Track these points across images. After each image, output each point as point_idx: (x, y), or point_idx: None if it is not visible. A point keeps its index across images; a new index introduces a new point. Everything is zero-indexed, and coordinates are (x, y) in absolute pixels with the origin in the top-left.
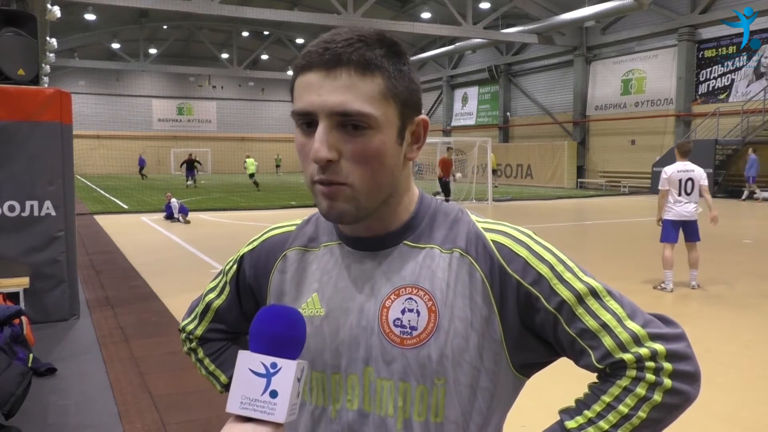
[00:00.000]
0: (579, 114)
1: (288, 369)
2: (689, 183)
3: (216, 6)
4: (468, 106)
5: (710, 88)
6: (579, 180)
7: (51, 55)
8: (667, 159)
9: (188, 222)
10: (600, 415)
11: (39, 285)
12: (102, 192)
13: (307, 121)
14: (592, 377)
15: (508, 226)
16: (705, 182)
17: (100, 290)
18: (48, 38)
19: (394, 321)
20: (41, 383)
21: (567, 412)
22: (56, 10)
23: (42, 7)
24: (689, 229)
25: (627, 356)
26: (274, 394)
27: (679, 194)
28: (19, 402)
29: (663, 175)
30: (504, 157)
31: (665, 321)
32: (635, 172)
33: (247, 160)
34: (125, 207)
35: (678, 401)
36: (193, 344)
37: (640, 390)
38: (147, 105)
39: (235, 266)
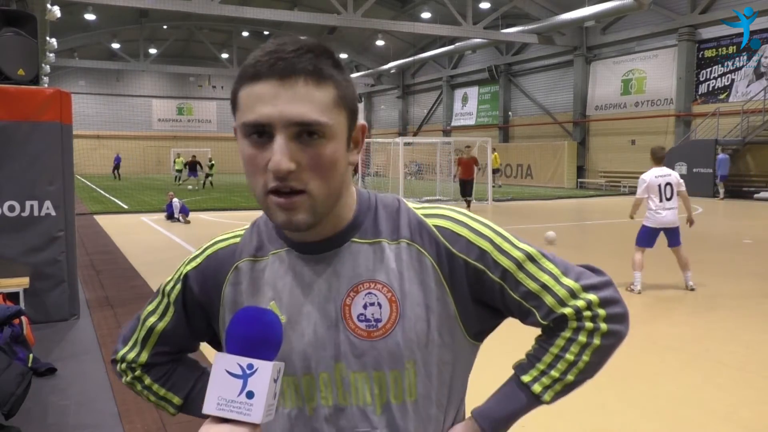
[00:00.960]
0: (579, 114)
1: (264, 370)
2: (668, 188)
3: (216, 6)
4: (468, 106)
5: (710, 88)
6: (579, 180)
7: (51, 55)
8: (667, 159)
9: (188, 222)
10: (550, 366)
11: (39, 285)
12: (102, 192)
13: (258, 131)
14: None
15: (445, 209)
16: (683, 187)
17: (100, 290)
18: (48, 38)
19: (358, 316)
20: (41, 383)
21: (520, 367)
22: (56, 10)
23: (42, 7)
24: (670, 235)
25: (567, 310)
26: (250, 394)
27: (660, 200)
28: (19, 402)
29: (641, 183)
30: (504, 157)
31: (594, 270)
32: (635, 172)
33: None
34: (125, 207)
35: (613, 341)
36: (137, 372)
37: (582, 338)
38: (147, 105)
39: (178, 286)
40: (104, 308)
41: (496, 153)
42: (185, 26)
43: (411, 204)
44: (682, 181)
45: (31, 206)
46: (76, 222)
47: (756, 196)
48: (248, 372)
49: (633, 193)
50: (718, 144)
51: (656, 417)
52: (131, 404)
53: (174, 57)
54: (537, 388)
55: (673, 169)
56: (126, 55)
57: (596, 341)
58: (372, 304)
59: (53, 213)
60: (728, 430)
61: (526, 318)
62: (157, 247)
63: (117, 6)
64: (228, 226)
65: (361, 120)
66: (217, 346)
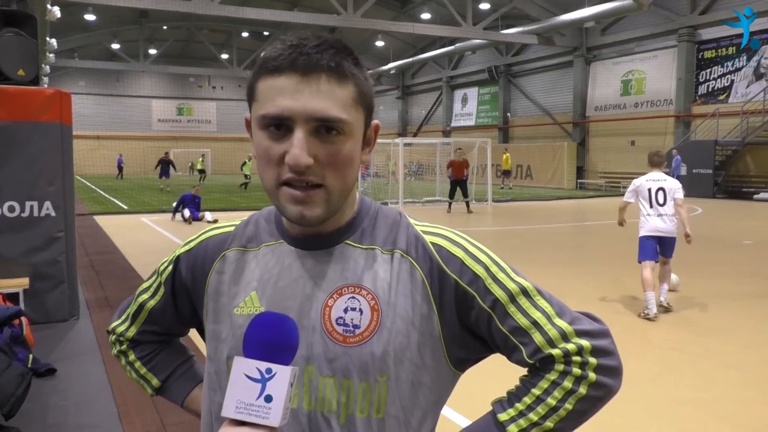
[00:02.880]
0: (579, 115)
1: (283, 374)
2: (660, 193)
3: (216, 6)
4: (468, 107)
5: (710, 89)
6: (579, 181)
7: (51, 55)
8: (667, 160)
9: (190, 222)
10: (530, 408)
11: (39, 285)
12: (102, 192)
13: (277, 124)
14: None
15: (444, 229)
16: (680, 195)
17: (99, 291)
18: (48, 38)
19: (337, 319)
20: (41, 384)
21: (499, 403)
22: (56, 11)
23: (42, 7)
24: (666, 245)
25: (555, 351)
26: (269, 398)
27: (651, 205)
28: (18, 402)
29: (631, 186)
30: (503, 157)
31: (592, 318)
32: (635, 172)
33: (248, 162)
34: (125, 207)
35: (601, 394)
36: (124, 347)
37: (567, 383)
38: (147, 105)
39: (170, 267)
40: (104, 309)
41: (507, 154)
42: (185, 27)
43: (412, 220)
44: (679, 188)
45: (31, 207)
46: (76, 222)
47: (756, 196)
48: (267, 376)
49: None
50: (718, 145)
51: (656, 417)
52: (131, 405)
53: (174, 57)
54: (513, 429)
55: (672, 167)
56: (126, 55)
57: (582, 390)
58: (353, 309)
59: (53, 213)
60: (729, 431)
61: (511, 354)
62: (157, 247)
63: (117, 6)
64: None
65: (375, 120)
66: (203, 334)
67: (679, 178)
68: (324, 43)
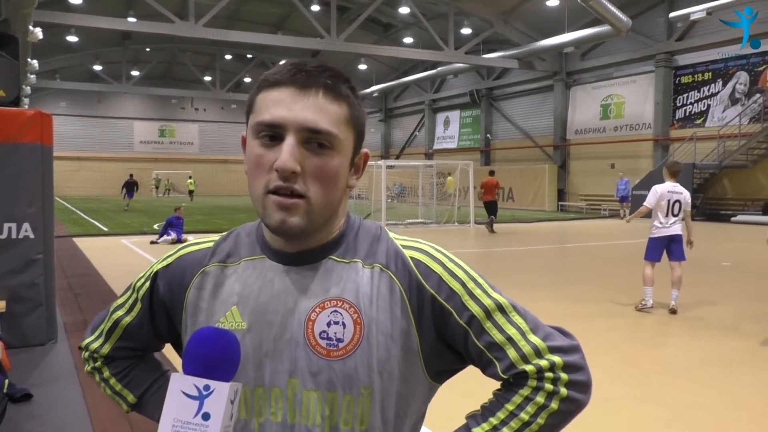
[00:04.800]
0: (559, 138)
1: (221, 391)
2: (677, 205)
3: (199, 29)
4: (450, 130)
5: (687, 114)
6: (560, 203)
7: (32, 76)
8: (647, 182)
9: (174, 242)
10: (503, 422)
11: (16, 308)
12: (82, 214)
13: (271, 133)
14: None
15: (424, 244)
16: (689, 207)
17: (78, 314)
18: (29, 59)
19: (321, 333)
20: (17, 410)
21: (474, 418)
22: (38, 32)
23: (24, 28)
24: (674, 247)
25: (529, 367)
26: (206, 416)
27: (666, 215)
28: None
29: (653, 193)
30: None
31: (564, 334)
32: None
33: (188, 179)
34: (105, 229)
35: (572, 408)
36: (98, 363)
37: (539, 398)
38: (128, 127)
39: (147, 283)
40: (82, 332)
41: (450, 178)
42: (168, 49)
43: (392, 234)
44: (690, 201)
45: (9, 228)
46: (55, 244)
47: (733, 219)
48: (204, 393)
49: (613, 216)
50: (696, 168)
51: None
52: (109, 431)
53: (156, 79)
54: None
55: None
56: (108, 76)
57: (554, 405)
58: (336, 323)
59: (31, 235)
60: None
61: (486, 368)
62: (137, 270)
63: (100, 28)
64: None
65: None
66: (179, 349)
67: (624, 200)
68: (323, 65)
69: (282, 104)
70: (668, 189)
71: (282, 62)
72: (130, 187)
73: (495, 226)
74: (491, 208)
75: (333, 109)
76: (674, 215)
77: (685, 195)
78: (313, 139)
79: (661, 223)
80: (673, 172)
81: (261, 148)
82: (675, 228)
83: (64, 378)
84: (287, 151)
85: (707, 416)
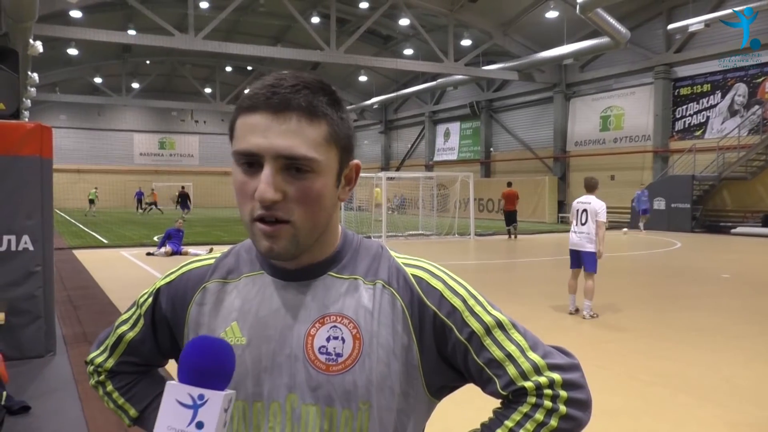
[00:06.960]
0: (559, 149)
1: (215, 400)
2: (584, 214)
3: (199, 42)
4: (450, 142)
5: (686, 125)
6: (560, 214)
7: (32, 89)
8: (650, 193)
9: (169, 254)
10: None
11: (14, 321)
12: (81, 226)
13: (250, 161)
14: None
15: (425, 262)
16: (601, 218)
17: (77, 326)
18: (30, 73)
19: (320, 348)
20: (15, 422)
21: None
22: (39, 46)
23: (24, 42)
24: (583, 259)
25: (528, 384)
26: (200, 425)
27: (576, 224)
28: None
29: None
30: (486, 191)
31: (563, 352)
32: (615, 207)
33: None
34: (105, 241)
35: (571, 426)
36: (102, 377)
37: (539, 416)
38: (128, 139)
39: (150, 299)
40: (81, 344)
41: (378, 189)
42: (168, 61)
43: (393, 252)
44: (602, 211)
45: (9, 241)
46: (55, 256)
47: (733, 231)
48: (199, 402)
49: (612, 228)
50: (695, 180)
51: None
52: None
53: (156, 91)
54: None
55: (651, 203)
56: (108, 89)
57: (553, 422)
58: (336, 338)
59: (31, 248)
60: None
61: (486, 386)
62: (137, 282)
63: (100, 41)
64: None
65: (356, 159)
66: None
67: (645, 212)
68: (300, 83)
69: (257, 131)
70: (577, 200)
71: (261, 78)
72: (184, 199)
73: (497, 236)
74: (511, 217)
75: (310, 132)
76: (582, 224)
77: (594, 204)
78: (292, 165)
79: (572, 229)
80: (586, 186)
81: (243, 176)
82: (575, 239)
83: (62, 390)
84: (264, 182)
85: (707, 429)
